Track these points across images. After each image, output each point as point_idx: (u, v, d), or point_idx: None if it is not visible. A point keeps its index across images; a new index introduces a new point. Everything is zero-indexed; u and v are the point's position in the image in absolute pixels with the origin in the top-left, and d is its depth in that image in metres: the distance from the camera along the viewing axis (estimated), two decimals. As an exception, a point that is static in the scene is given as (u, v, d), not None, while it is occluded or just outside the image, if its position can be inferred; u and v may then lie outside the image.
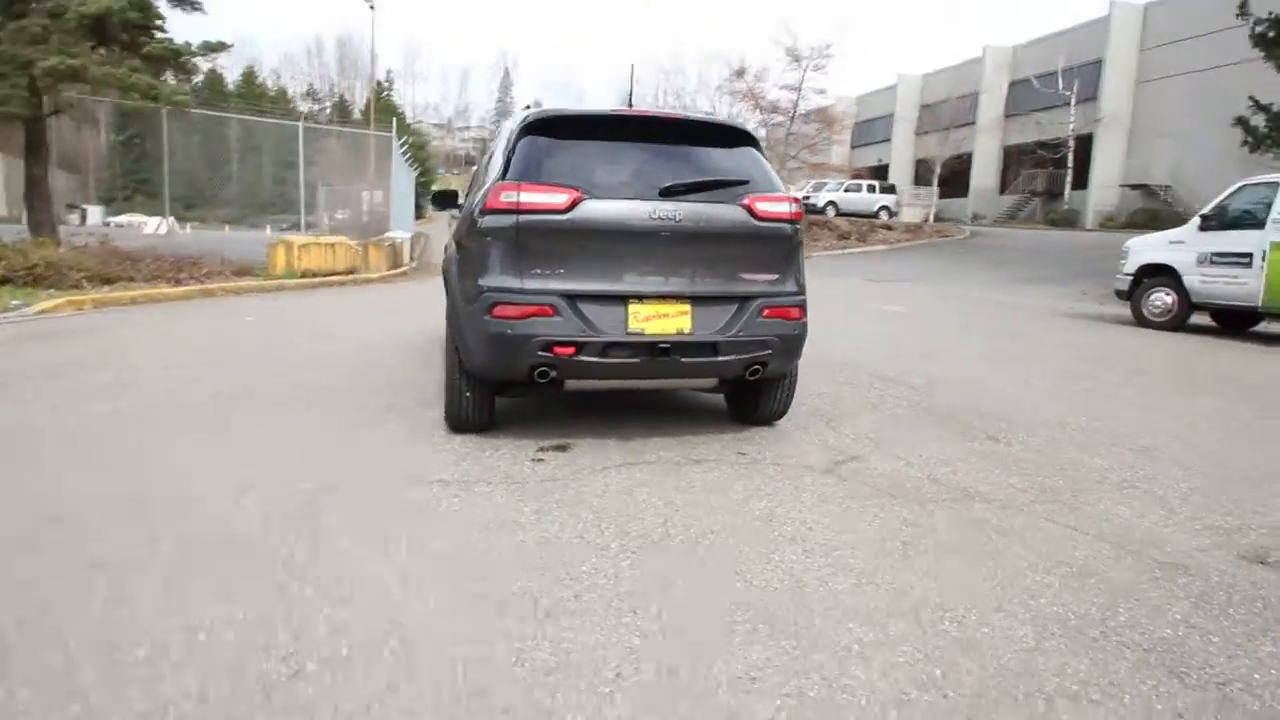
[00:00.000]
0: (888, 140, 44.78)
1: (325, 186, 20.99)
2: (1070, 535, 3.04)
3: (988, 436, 4.49)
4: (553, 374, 3.66)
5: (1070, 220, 33.26)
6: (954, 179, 39.42)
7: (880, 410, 5.03)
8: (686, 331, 3.65)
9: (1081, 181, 33.56)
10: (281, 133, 22.72)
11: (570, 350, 3.55)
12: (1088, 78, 32.92)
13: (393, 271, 15.16)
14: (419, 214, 37.74)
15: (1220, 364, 7.71)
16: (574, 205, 3.54)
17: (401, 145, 21.54)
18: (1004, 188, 39.01)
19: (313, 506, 3.04)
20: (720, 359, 3.73)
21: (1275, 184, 9.20)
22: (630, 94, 5.42)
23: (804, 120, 28.56)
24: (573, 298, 3.58)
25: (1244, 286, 9.28)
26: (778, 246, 3.87)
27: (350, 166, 20.99)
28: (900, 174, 43.25)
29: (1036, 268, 19.93)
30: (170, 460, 3.58)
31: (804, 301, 3.95)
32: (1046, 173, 36.03)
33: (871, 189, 33.55)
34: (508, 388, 4.03)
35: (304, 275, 12.59)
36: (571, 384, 3.80)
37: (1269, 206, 9.08)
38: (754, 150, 4.03)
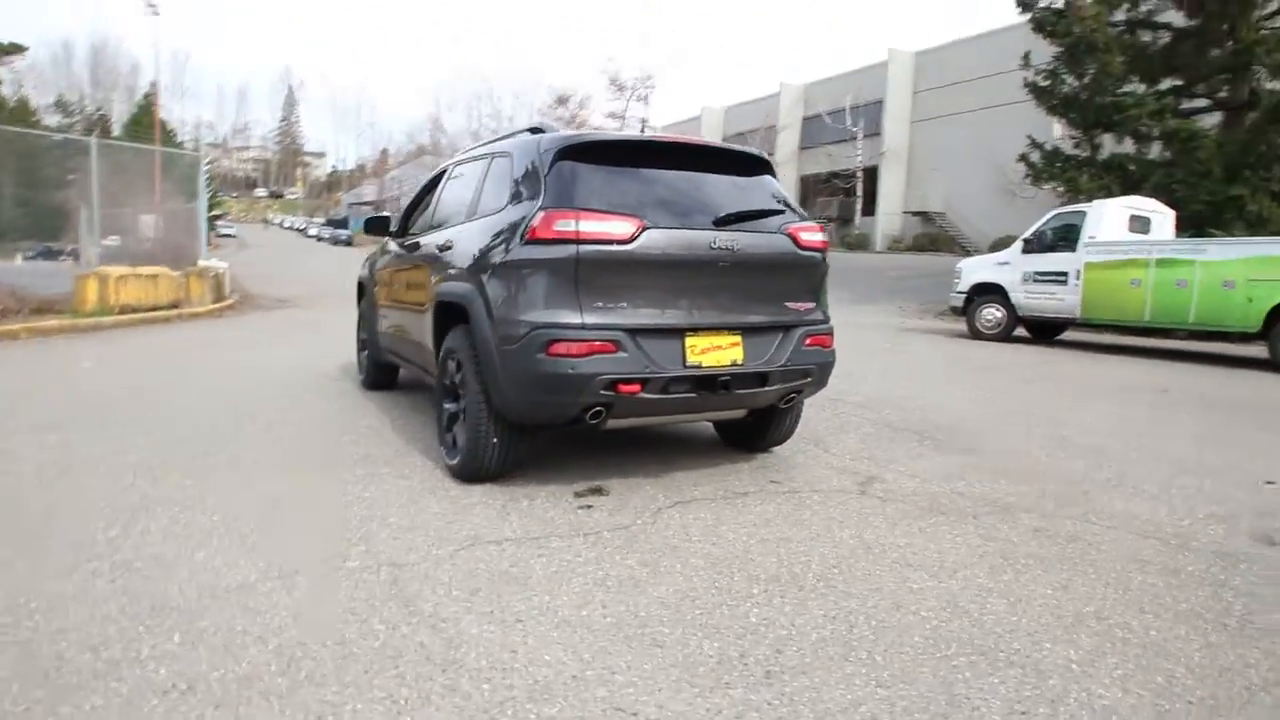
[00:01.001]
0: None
1: (87, 209, 18.12)
2: (1120, 536, 3.31)
3: (961, 449, 4.79)
4: (604, 413, 3.45)
5: (863, 244, 36.66)
6: None
7: (851, 430, 5.21)
8: (740, 363, 3.58)
9: (870, 209, 37.16)
10: (33, 146, 19.50)
11: (636, 388, 3.36)
12: (872, 115, 36.61)
13: (219, 305, 13.63)
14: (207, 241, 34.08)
15: (1073, 370, 8.80)
16: (638, 235, 3.36)
17: (206, 165, 19.45)
18: (803, 214, 42.23)
19: (393, 586, 2.62)
20: (767, 389, 3.69)
21: (1083, 213, 10.72)
22: (643, 124, 5.29)
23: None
24: (634, 332, 3.39)
25: (1062, 301, 10.69)
26: (814, 275, 3.91)
27: (125, 187, 18.40)
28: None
29: (853, 288, 21.72)
30: (157, 546, 2.94)
31: (832, 329, 4.02)
32: (839, 200, 39.52)
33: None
34: (536, 430, 3.74)
35: (122, 311, 10.97)
36: (614, 422, 3.59)
37: (1079, 231, 10.54)
38: (772, 178, 4.06)
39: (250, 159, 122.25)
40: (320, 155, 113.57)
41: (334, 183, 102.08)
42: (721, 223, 3.58)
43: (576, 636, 2.30)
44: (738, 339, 3.58)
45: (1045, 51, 16.99)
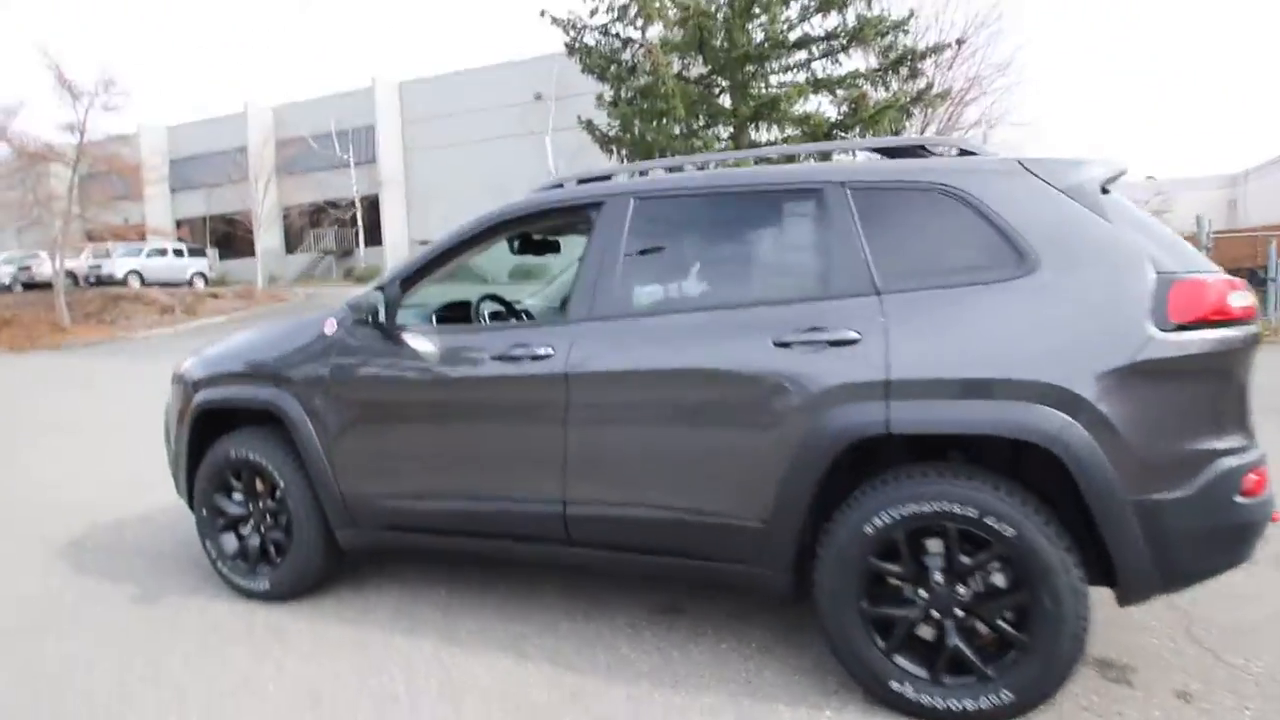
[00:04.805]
0: (137, 197, 38.53)
1: None
2: None
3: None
4: None
5: (374, 275, 34.74)
6: (228, 241, 37.13)
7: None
8: None
9: (376, 239, 35.43)
10: None
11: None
12: (363, 142, 34.90)
13: None
14: None
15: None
16: None
17: None
18: (292, 247, 38.17)
19: None
20: None
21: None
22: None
23: (89, 171, 22.34)
24: None
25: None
26: None
27: None
28: (160, 233, 37.91)
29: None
30: None
31: None
32: (335, 231, 36.75)
33: (179, 253, 28.67)
34: None
35: None
36: None
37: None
38: None
39: None
40: None
41: None
42: None
43: None
44: None
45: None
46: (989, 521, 2.24)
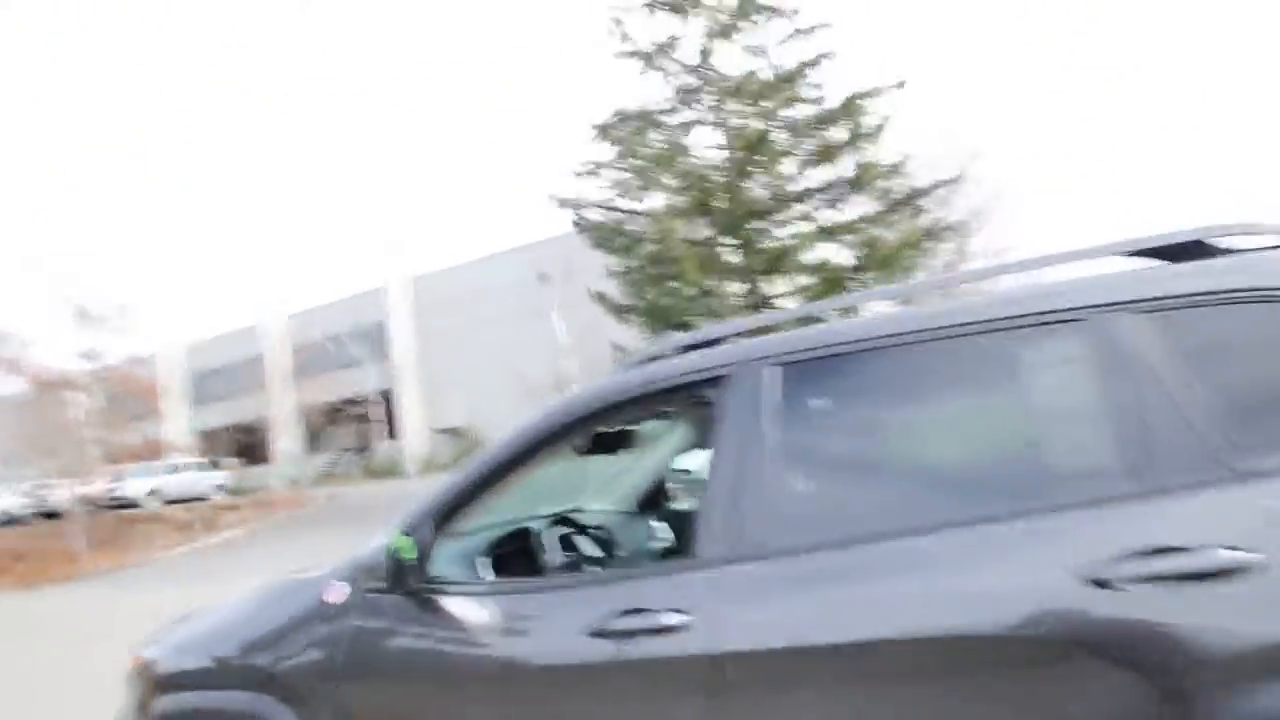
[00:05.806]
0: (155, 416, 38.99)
1: None
2: None
3: None
4: None
5: (392, 470, 34.13)
6: (249, 449, 37.13)
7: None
8: None
9: (394, 432, 35.18)
10: None
11: None
12: (377, 338, 35.47)
13: None
14: None
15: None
16: None
17: None
18: (311, 448, 37.98)
19: None
20: None
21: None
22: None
23: (104, 393, 22.40)
24: None
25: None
26: None
27: None
28: (180, 448, 38.04)
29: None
30: None
31: None
32: (354, 428, 36.62)
33: (201, 467, 28.44)
34: None
35: None
36: None
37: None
38: None
39: None
40: None
41: None
42: None
43: None
44: None
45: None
46: None
